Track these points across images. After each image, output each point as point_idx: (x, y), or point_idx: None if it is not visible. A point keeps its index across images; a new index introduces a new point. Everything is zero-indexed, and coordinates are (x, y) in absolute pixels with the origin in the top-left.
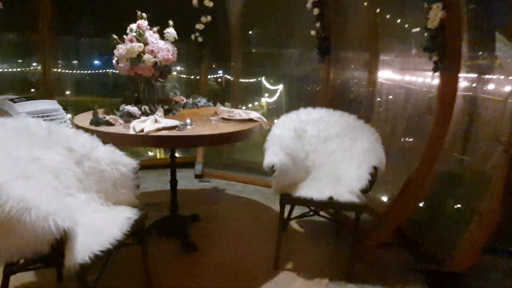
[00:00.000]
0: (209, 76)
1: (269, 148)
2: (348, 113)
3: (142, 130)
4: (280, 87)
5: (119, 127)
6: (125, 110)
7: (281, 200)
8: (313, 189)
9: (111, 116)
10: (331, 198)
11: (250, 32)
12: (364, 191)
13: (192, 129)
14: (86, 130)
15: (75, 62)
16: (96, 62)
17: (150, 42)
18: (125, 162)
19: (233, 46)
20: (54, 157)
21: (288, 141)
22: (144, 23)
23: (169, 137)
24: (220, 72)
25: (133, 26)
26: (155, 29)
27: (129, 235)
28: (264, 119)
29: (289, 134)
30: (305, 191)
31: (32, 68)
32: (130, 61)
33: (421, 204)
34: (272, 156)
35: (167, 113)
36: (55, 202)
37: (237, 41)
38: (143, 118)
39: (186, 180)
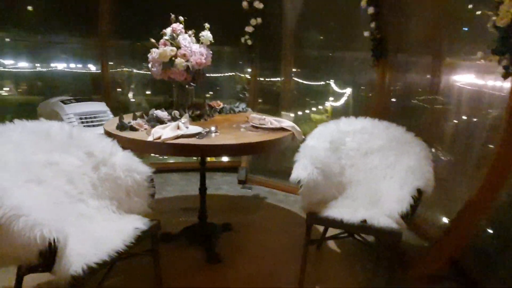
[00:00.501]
0: (260, 78)
1: (298, 161)
2: (395, 124)
3: (159, 137)
4: (346, 91)
5: (141, 133)
6: (154, 114)
7: (307, 219)
8: (345, 209)
9: (137, 121)
10: (364, 221)
11: (305, 35)
12: (405, 216)
13: (214, 138)
14: (109, 134)
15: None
16: None
17: (183, 46)
18: (140, 170)
19: (286, 49)
20: (73, 161)
21: (321, 154)
22: (178, 26)
23: (186, 146)
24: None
25: (168, 29)
26: (190, 32)
27: (133, 247)
28: (298, 129)
29: (324, 146)
30: (335, 211)
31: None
32: (162, 65)
33: (483, 232)
34: (300, 170)
35: (198, 118)
36: (49, 212)
37: (291, 43)
38: (168, 124)
39: (229, 185)
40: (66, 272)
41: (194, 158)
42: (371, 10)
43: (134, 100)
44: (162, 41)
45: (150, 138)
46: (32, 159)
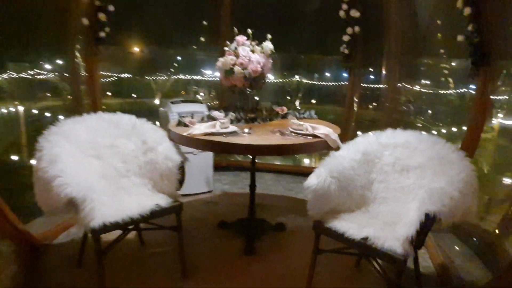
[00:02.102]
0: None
1: (317, 168)
2: (445, 141)
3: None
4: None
5: (188, 129)
6: (210, 114)
7: (313, 227)
8: (354, 224)
9: (190, 119)
10: (365, 238)
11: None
12: (415, 242)
13: (237, 138)
14: (164, 128)
15: None
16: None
17: (241, 56)
18: (173, 159)
19: (390, 55)
20: (130, 146)
21: (345, 164)
22: (241, 38)
23: (208, 141)
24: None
25: (238, 39)
26: (247, 42)
27: (148, 218)
28: (333, 137)
29: (353, 157)
30: (343, 223)
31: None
32: (224, 72)
33: None
34: (313, 176)
35: (251, 121)
36: (89, 180)
37: (395, 49)
38: (210, 122)
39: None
40: (87, 224)
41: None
42: (468, 10)
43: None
44: (228, 51)
45: (185, 133)
46: (99, 141)
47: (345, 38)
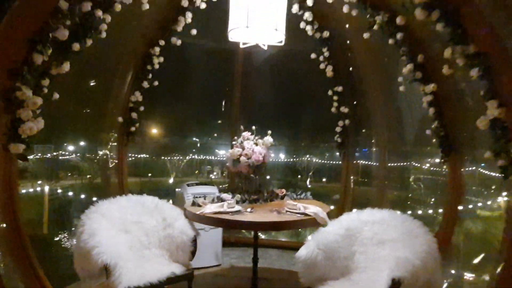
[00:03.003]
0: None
1: (307, 241)
2: (413, 218)
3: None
4: None
5: (200, 208)
6: (220, 196)
7: None
8: None
9: (203, 200)
10: None
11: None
12: None
13: (241, 216)
14: (180, 206)
15: None
16: None
17: (246, 148)
18: (187, 233)
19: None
20: (152, 222)
21: (330, 238)
22: (247, 133)
23: (216, 219)
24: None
25: (244, 134)
26: (251, 137)
27: (165, 284)
28: (322, 215)
29: (338, 232)
30: None
31: None
32: (233, 161)
33: None
34: (303, 249)
35: (254, 202)
36: (119, 250)
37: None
38: (220, 203)
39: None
40: (116, 286)
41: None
42: (432, 110)
43: None
44: (236, 144)
45: (198, 212)
46: (128, 218)
47: (338, 129)
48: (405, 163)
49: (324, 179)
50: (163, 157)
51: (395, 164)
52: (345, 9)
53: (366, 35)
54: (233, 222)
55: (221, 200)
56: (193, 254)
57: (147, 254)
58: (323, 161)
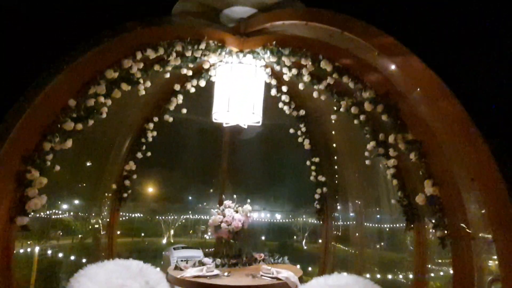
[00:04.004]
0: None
1: None
2: (372, 283)
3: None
4: None
5: (181, 272)
6: (201, 260)
7: None
8: None
9: (185, 264)
10: None
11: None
12: None
13: (219, 279)
14: (164, 270)
15: None
16: None
17: (227, 215)
18: None
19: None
20: (135, 286)
21: None
22: (228, 202)
23: (194, 282)
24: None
25: (225, 203)
26: (236, 206)
27: None
28: (293, 279)
29: None
30: None
31: None
32: (214, 228)
33: None
34: None
35: (233, 266)
36: None
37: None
38: (200, 267)
39: None
40: None
41: None
42: (395, 182)
43: None
44: (217, 211)
45: (178, 276)
46: (114, 281)
47: (316, 196)
48: (380, 225)
49: (320, 240)
50: (157, 217)
51: (371, 225)
52: (315, 94)
53: (333, 117)
54: (209, 285)
55: (202, 264)
56: None
57: None
58: (319, 222)
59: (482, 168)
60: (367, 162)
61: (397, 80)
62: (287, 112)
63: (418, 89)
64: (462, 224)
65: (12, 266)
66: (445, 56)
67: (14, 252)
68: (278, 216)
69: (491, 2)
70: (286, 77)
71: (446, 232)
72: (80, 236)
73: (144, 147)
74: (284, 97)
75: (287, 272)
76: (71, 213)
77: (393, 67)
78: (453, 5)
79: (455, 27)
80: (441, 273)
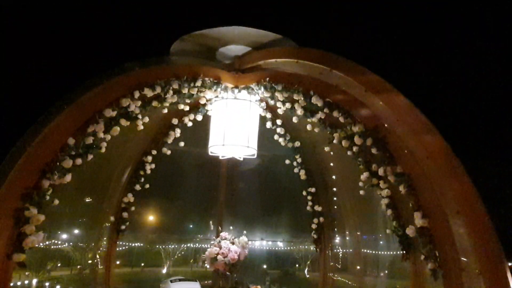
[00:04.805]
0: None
1: None
2: None
3: None
4: None
5: None
6: None
7: None
8: None
9: None
10: None
11: None
12: None
13: None
14: None
15: None
16: None
17: (223, 247)
18: None
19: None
20: None
21: None
22: (224, 234)
23: None
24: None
25: (221, 234)
26: (233, 238)
27: None
28: None
29: None
30: None
31: None
32: (210, 260)
33: None
34: None
35: None
36: None
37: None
38: None
39: None
40: None
41: None
42: (389, 212)
43: None
44: (214, 243)
45: None
46: None
47: (313, 226)
48: (379, 252)
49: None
50: (157, 245)
51: (369, 252)
52: (309, 127)
53: (327, 149)
54: None
55: None
56: None
57: None
58: (317, 251)
59: (466, 201)
60: (361, 192)
61: (384, 115)
62: (283, 143)
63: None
64: (452, 256)
65: None
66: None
67: (12, 285)
68: (279, 244)
69: (471, 41)
70: (280, 111)
71: (436, 264)
72: (79, 267)
73: (142, 180)
74: (279, 130)
75: None
76: (70, 243)
77: (379, 102)
78: (434, 44)
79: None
80: None
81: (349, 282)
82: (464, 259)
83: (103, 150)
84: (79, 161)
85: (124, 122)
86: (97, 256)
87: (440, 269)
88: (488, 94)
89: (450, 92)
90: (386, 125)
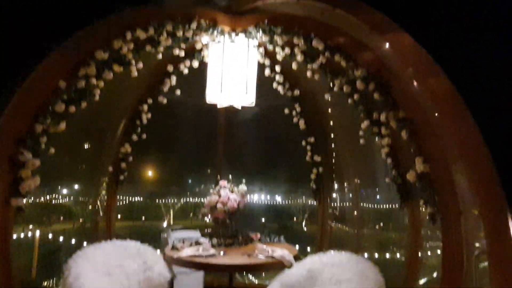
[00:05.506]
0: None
1: (272, 282)
2: (366, 259)
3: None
4: None
5: (178, 252)
6: (197, 240)
7: None
8: None
9: (181, 244)
10: None
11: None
12: None
13: (215, 258)
14: (161, 251)
15: None
16: None
17: (222, 196)
18: (165, 275)
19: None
20: (133, 265)
21: (293, 279)
22: (223, 183)
23: (190, 261)
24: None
25: (221, 183)
26: (232, 186)
27: None
28: (288, 258)
29: (301, 273)
30: None
31: None
32: (210, 208)
33: None
34: None
35: (229, 245)
36: None
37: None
38: (195, 246)
39: None
40: None
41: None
42: (389, 160)
43: None
44: (213, 192)
45: (175, 255)
46: (111, 262)
47: (312, 176)
48: (377, 205)
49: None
50: (157, 200)
51: (368, 205)
52: (309, 74)
53: (327, 96)
54: (205, 264)
55: (198, 244)
56: None
57: None
58: (316, 202)
59: (470, 145)
60: (361, 141)
61: (389, 58)
62: (282, 92)
63: (409, 67)
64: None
65: (9, 248)
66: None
67: (15, 237)
68: (277, 198)
69: None
70: (279, 57)
71: (435, 208)
72: (81, 220)
73: (139, 130)
74: (278, 77)
75: (282, 251)
76: (71, 198)
77: (384, 44)
78: None
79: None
80: (438, 252)
81: (348, 231)
82: (464, 203)
83: (97, 97)
84: (72, 108)
85: (117, 68)
86: (98, 206)
87: (439, 213)
88: (502, 35)
89: (460, 32)
90: (390, 69)
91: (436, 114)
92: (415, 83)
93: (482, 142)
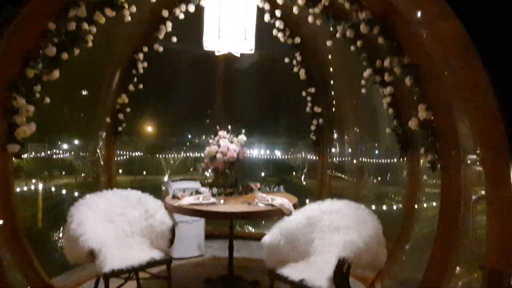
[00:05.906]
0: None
1: (271, 229)
2: (364, 207)
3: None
4: None
5: (179, 200)
6: (197, 189)
7: (267, 273)
8: (296, 270)
9: (182, 193)
10: (301, 280)
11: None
12: (338, 281)
13: (214, 206)
14: (162, 201)
15: None
16: None
17: (222, 146)
18: (166, 223)
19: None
20: (135, 214)
21: (292, 226)
22: (222, 133)
23: (190, 209)
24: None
25: (220, 133)
26: (231, 137)
27: (146, 267)
28: (287, 206)
29: (300, 220)
30: (287, 270)
31: None
32: (210, 158)
33: None
34: (268, 236)
35: (229, 195)
36: (104, 237)
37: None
38: (195, 195)
39: None
40: (100, 270)
41: None
42: (391, 111)
43: None
44: (212, 142)
45: (175, 204)
46: (113, 210)
47: (312, 127)
48: (376, 159)
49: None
50: (157, 155)
51: (367, 159)
52: (310, 19)
53: (329, 43)
54: (205, 212)
55: (198, 193)
56: (171, 241)
57: (130, 242)
58: (316, 153)
59: (477, 90)
60: (363, 90)
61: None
62: (282, 39)
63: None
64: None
65: (12, 195)
66: None
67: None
68: (277, 153)
69: None
70: (279, 0)
71: (436, 155)
72: (82, 175)
73: (135, 79)
74: (278, 23)
75: (281, 199)
76: (72, 153)
77: None
78: None
79: None
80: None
81: (346, 182)
82: (465, 152)
83: (90, 44)
84: (65, 55)
85: (109, 12)
86: (98, 155)
87: (439, 161)
88: None
89: None
90: (397, 11)
91: (444, 59)
92: (424, 27)
93: (490, 86)
